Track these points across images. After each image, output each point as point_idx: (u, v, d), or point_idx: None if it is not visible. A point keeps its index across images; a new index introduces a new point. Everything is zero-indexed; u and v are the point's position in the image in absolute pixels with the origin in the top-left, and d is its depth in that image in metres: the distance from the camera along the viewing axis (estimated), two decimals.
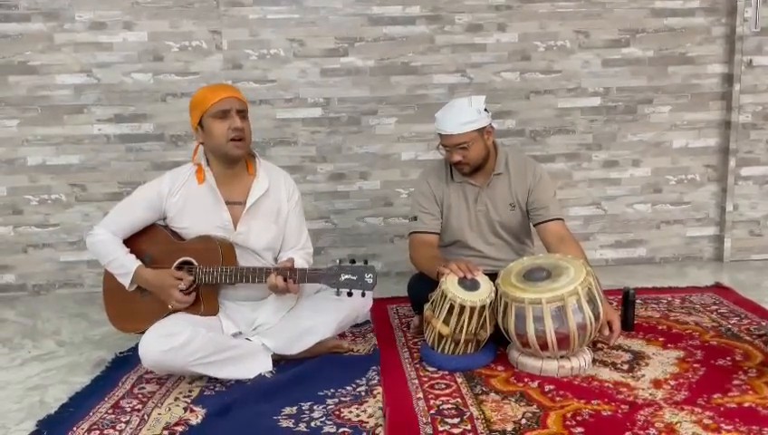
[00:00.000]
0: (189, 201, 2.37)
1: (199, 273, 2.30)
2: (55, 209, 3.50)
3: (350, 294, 2.25)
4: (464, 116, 2.49)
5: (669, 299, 3.05)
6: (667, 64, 3.64)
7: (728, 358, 2.36)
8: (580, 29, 3.58)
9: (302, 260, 2.43)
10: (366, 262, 2.28)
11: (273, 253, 2.46)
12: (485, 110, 2.55)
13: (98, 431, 1.98)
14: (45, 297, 3.51)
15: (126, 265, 2.33)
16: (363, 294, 2.28)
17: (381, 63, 3.52)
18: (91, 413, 2.09)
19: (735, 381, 2.17)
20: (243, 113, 2.33)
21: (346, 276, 2.24)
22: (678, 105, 3.68)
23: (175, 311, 2.33)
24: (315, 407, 2.08)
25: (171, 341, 2.16)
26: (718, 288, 3.21)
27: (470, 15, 3.52)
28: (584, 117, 3.66)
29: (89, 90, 3.41)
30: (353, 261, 2.28)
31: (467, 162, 2.56)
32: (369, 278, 2.24)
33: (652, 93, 3.66)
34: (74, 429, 1.99)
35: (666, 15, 3.60)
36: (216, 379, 2.28)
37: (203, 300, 2.35)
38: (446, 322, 2.28)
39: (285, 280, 2.24)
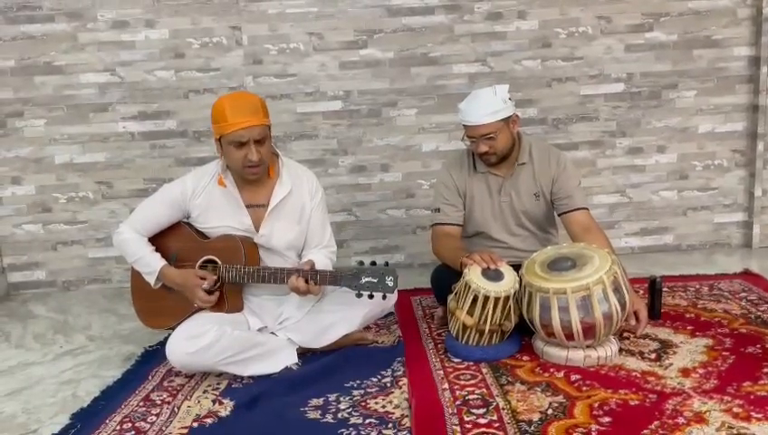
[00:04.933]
0: (212, 203, 2.38)
1: (223, 272, 2.33)
2: (83, 207, 3.56)
3: (371, 297, 2.25)
4: (490, 106, 2.47)
5: (697, 287, 3.01)
6: (692, 48, 3.57)
7: (758, 346, 2.32)
8: (601, 14, 3.53)
9: (325, 259, 2.43)
10: (387, 264, 2.27)
11: (296, 251, 2.47)
12: (510, 98, 2.53)
13: (130, 424, 2.02)
14: (75, 293, 3.58)
15: (151, 265, 2.36)
16: (384, 297, 2.28)
17: (401, 55, 3.51)
18: (122, 406, 2.13)
19: (765, 369, 2.13)
20: (261, 141, 2.25)
21: (367, 279, 2.23)
22: (704, 89, 3.62)
23: (200, 308, 2.36)
24: (342, 398, 2.10)
25: (197, 342, 2.19)
26: (747, 275, 3.16)
27: (489, 4, 3.49)
28: (607, 104, 3.62)
29: (113, 88, 3.46)
30: (374, 263, 2.27)
31: (494, 152, 2.54)
32: (389, 281, 2.23)
33: (677, 78, 3.60)
34: (107, 421, 2.04)
35: None
36: None
37: (227, 298, 2.37)
38: (470, 313, 2.28)
39: (307, 282, 2.25)
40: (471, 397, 2.05)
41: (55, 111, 3.46)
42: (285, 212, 2.40)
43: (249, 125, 2.22)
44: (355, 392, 2.14)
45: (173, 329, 2.31)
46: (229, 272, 2.32)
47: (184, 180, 2.42)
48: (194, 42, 3.45)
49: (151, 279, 2.38)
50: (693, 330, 2.50)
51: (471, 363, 2.30)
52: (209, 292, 2.31)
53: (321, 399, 2.10)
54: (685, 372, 2.14)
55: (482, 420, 1.91)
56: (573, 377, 2.15)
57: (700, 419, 1.84)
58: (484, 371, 2.24)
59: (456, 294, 2.36)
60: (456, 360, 2.34)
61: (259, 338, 2.35)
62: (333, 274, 2.28)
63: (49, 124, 3.47)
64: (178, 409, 2.10)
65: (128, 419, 2.05)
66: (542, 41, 3.53)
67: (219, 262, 2.35)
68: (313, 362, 2.37)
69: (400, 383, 2.19)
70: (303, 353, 2.42)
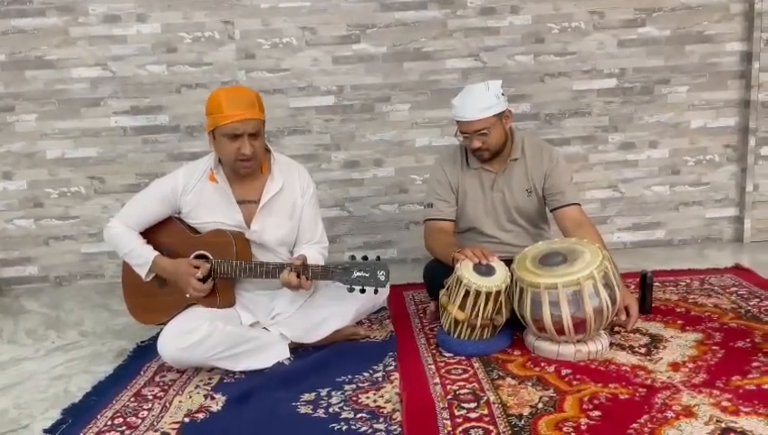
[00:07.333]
0: (203, 199, 2.37)
1: (215, 266, 2.33)
2: (75, 202, 3.55)
3: (362, 291, 2.26)
4: (482, 101, 2.47)
5: (688, 281, 3.03)
6: (685, 43, 3.58)
7: (747, 340, 2.34)
8: (594, 9, 3.53)
9: (317, 254, 2.43)
10: (378, 258, 2.27)
11: (287, 247, 2.47)
12: (503, 94, 2.53)
13: (121, 419, 2.02)
14: (67, 288, 3.57)
15: (143, 255, 2.36)
16: (376, 291, 2.28)
17: (394, 50, 3.51)
18: (114, 401, 2.13)
19: (755, 363, 2.15)
20: (255, 135, 2.25)
21: (359, 273, 2.24)
22: (696, 85, 3.63)
23: (192, 302, 2.36)
24: (333, 393, 2.10)
25: (189, 338, 2.19)
26: (738, 269, 3.18)
27: None
28: (600, 99, 3.62)
29: (105, 83, 3.44)
30: (366, 257, 2.27)
31: (487, 148, 2.54)
32: (381, 275, 2.24)
33: (669, 73, 3.61)
34: (98, 417, 2.04)
35: None
36: None
37: (219, 292, 2.37)
38: (461, 307, 2.29)
39: (298, 276, 2.25)
40: (462, 391, 2.06)
41: (47, 106, 3.45)
42: (277, 208, 2.40)
43: (244, 118, 2.22)
44: (347, 387, 2.14)
45: (165, 324, 2.31)
46: (221, 266, 2.32)
47: (175, 175, 2.41)
48: (186, 36, 3.43)
49: (143, 271, 2.37)
50: (683, 324, 2.51)
51: (462, 358, 2.31)
52: (202, 281, 2.31)
53: (313, 393, 2.10)
54: (674, 367, 2.15)
55: (472, 415, 1.91)
56: (564, 371, 2.16)
57: (689, 413, 1.86)
58: (476, 365, 2.24)
59: (447, 288, 2.36)
60: (447, 354, 2.35)
61: (251, 333, 2.35)
62: (325, 268, 2.29)
63: (40, 119, 3.46)
64: (170, 404, 2.10)
65: (119, 414, 2.05)
66: (534, 36, 3.53)
67: (211, 256, 2.35)
68: (305, 357, 2.37)
69: (392, 378, 2.19)
70: (296, 348, 2.42)
